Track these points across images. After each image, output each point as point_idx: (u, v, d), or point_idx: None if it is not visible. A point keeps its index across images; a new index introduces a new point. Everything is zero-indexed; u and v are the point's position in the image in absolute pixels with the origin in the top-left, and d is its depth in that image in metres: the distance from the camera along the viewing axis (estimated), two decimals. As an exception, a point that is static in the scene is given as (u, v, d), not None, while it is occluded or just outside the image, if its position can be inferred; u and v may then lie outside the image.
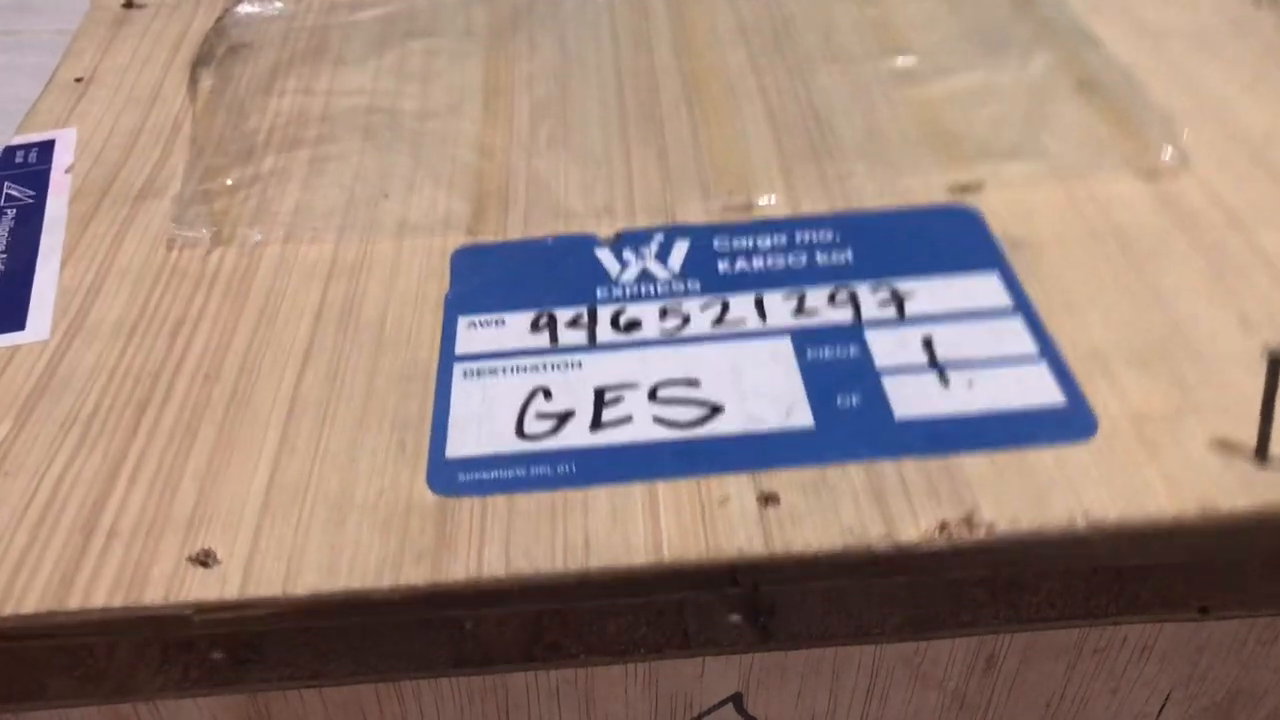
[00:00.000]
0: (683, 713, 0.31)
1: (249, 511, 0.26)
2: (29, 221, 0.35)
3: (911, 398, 0.28)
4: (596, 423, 0.28)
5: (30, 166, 0.37)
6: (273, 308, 0.32)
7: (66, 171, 0.37)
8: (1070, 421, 0.27)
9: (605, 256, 0.33)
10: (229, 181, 0.36)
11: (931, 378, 0.28)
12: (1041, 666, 0.31)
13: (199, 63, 0.42)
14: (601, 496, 0.26)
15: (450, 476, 0.27)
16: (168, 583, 0.25)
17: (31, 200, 0.36)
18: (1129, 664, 0.31)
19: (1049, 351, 0.29)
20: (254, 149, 0.37)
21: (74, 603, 0.25)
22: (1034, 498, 0.25)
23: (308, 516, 0.26)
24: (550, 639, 0.30)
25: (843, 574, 0.26)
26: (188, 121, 0.39)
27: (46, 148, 0.38)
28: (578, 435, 0.27)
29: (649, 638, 0.30)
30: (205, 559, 0.25)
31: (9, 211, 0.35)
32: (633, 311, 0.31)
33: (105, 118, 0.40)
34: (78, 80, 0.42)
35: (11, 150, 0.38)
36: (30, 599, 0.25)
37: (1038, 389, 0.28)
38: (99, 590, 0.25)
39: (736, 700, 0.31)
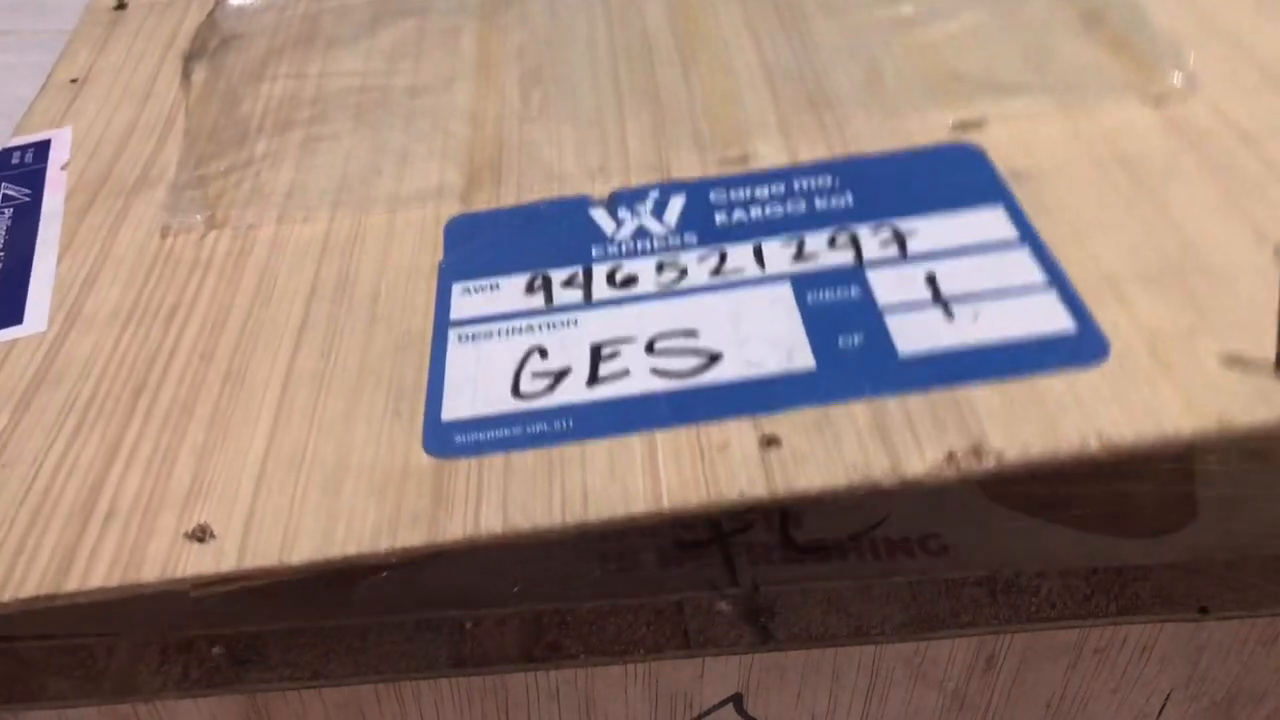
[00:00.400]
0: (683, 713, 0.31)
1: (245, 485, 0.26)
2: (26, 219, 0.35)
3: (915, 334, 0.27)
4: (593, 378, 0.28)
5: (27, 167, 0.37)
6: (267, 287, 0.32)
7: (62, 169, 0.37)
8: (1081, 346, 0.26)
9: (600, 216, 0.32)
10: (222, 167, 0.36)
11: (936, 313, 0.28)
12: (1042, 667, 0.31)
13: (191, 56, 0.42)
14: (599, 450, 0.26)
15: (446, 439, 0.27)
16: (164, 560, 0.25)
17: (28, 198, 0.36)
18: (1129, 664, 0.31)
19: (1057, 279, 0.28)
20: (247, 134, 0.37)
21: (71, 585, 0.25)
22: (1045, 424, 0.25)
23: (303, 487, 0.26)
24: (550, 639, 0.30)
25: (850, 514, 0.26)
26: (181, 114, 0.39)
27: (42, 148, 0.38)
28: (574, 391, 0.27)
29: (649, 638, 0.30)
30: (202, 534, 0.25)
31: (6, 211, 0.36)
32: (629, 268, 0.30)
33: (100, 116, 0.40)
34: (73, 81, 0.42)
35: (8, 152, 0.38)
36: (30, 583, 0.25)
37: (1046, 317, 0.27)
38: (96, 572, 0.25)
39: (736, 701, 0.31)
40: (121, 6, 0.46)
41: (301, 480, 0.26)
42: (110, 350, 0.30)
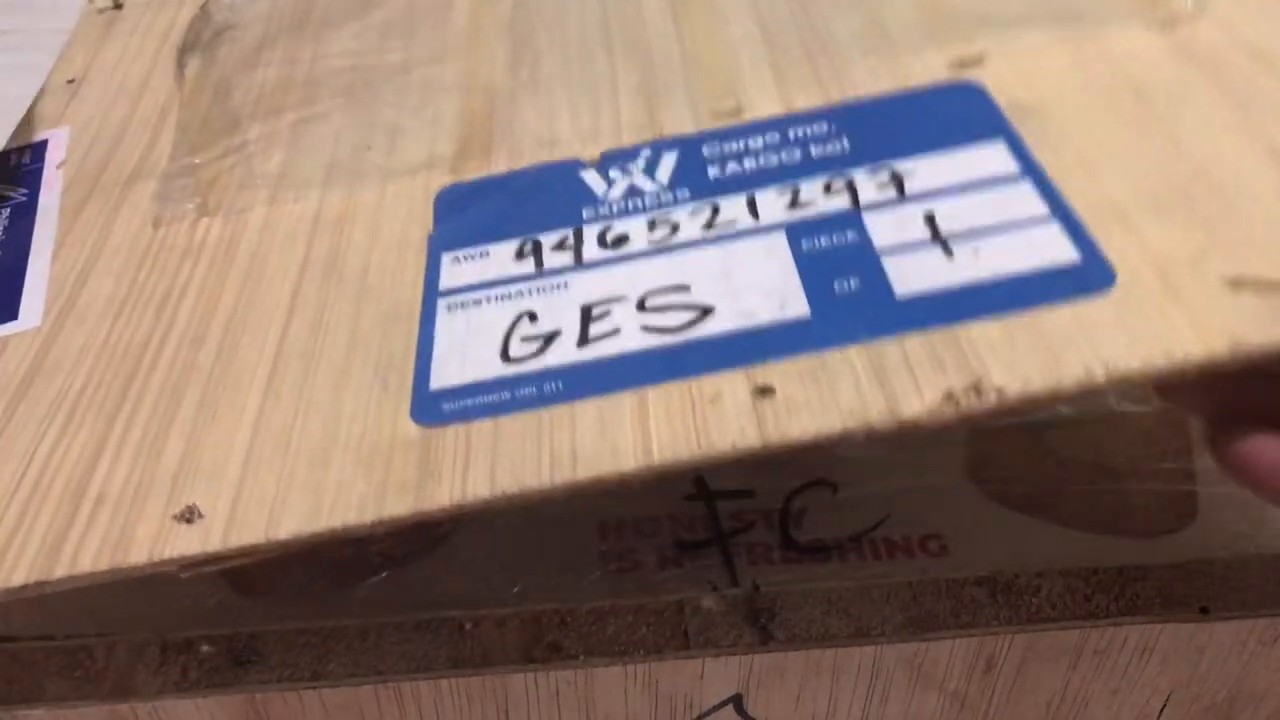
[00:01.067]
0: (683, 714, 0.31)
1: (233, 464, 0.26)
2: (23, 217, 0.35)
3: (914, 274, 0.27)
4: (583, 339, 0.27)
5: (24, 168, 0.37)
6: (258, 269, 0.31)
7: (58, 167, 0.37)
8: (1086, 276, 0.26)
9: (591, 178, 0.32)
10: (214, 154, 0.36)
11: (935, 252, 0.27)
12: (1042, 667, 0.31)
13: (185, 49, 0.42)
14: (589, 409, 0.25)
15: (434, 407, 0.26)
16: (152, 542, 0.25)
17: (26, 198, 0.36)
18: (1129, 665, 0.31)
19: (1060, 210, 0.27)
20: (239, 121, 0.37)
21: (60, 572, 0.25)
22: (1048, 357, 0.24)
23: (291, 463, 0.26)
24: (550, 639, 0.30)
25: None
26: (176, 107, 0.39)
27: (40, 148, 0.38)
28: (564, 353, 0.27)
29: (649, 638, 0.30)
30: (190, 515, 0.25)
31: (4, 211, 0.36)
32: (620, 227, 0.30)
33: (96, 113, 0.40)
34: (70, 82, 0.42)
35: (5, 155, 0.38)
36: (19, 572, 0.25)
37: (1049, 248, 0.26)
38: (85, 557, 0.25)
39: (736, 701, 0.31)
40: (118, 6, 0.46)
41: (289, 457, 0.26)
42: (103, 341, 0.30)
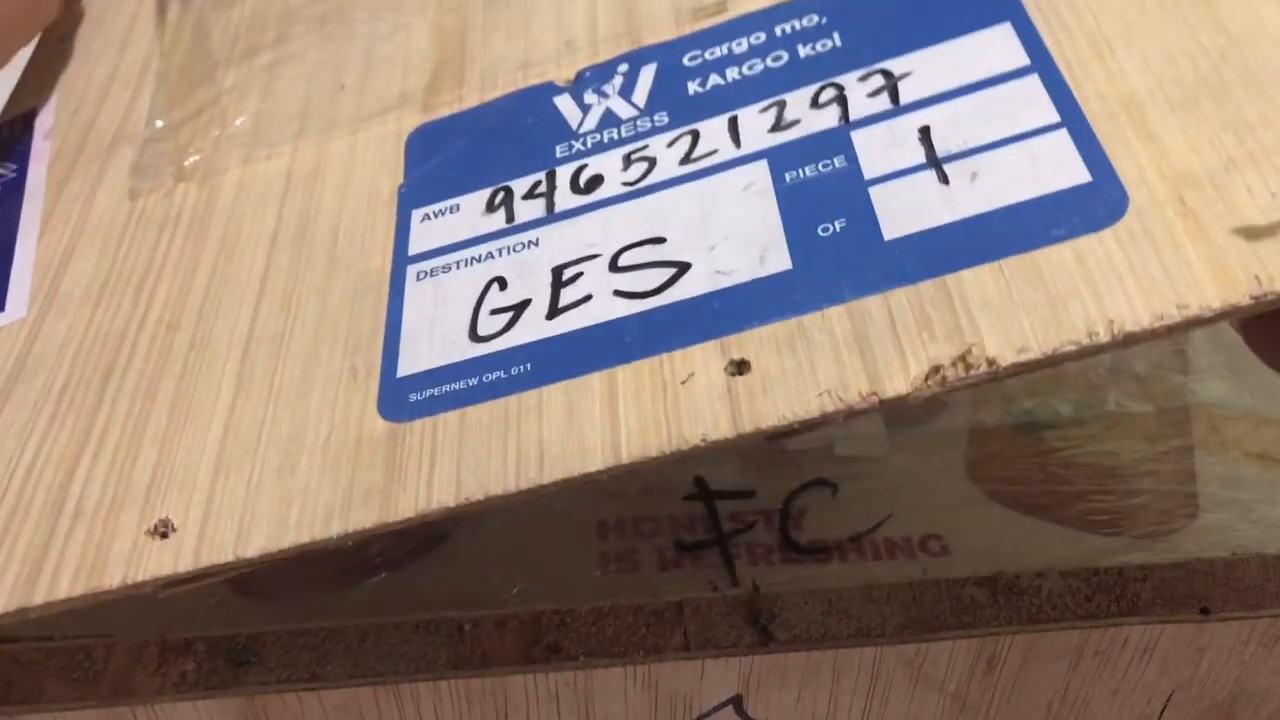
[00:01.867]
0: (683, 715, 0.31)
1: (204, 470, 0.26)
2: (11, 196, 0.34)
3: (904, 210, 0.24)
4: (554, 309, 0.26)
5: (14, 140, 0.37)
6: (231, 240, 0.31)
7: (46, 138, 0.37)
8: (1094, 203, 0.23)
9: (565, 104, 0.30)
10: (190, 110, 0.35)
11: (928, 178, 0.24)
12: (1043, 668, 0.31)
13: None
14: (557, 395, 0.24)
15: (400, 400, 0.26)
16: (127, 561, 0.24)
17: (14, 174, 0.35)
18: (1130, 665, 0.31)
19: (1071, 114, 0.24)
20: (215, 68, 0.36)
21: (39, 598, 0.25)
22: (1047, 312, 0.22)
23: (260, 467, 0.26)
24: (549, 640, 0.30)
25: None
26: (156, 57, 0.38)
27: (29, 117, 0.37)
28: (533, 327, 0.26)
29: (648, 639, 0.30)
30: (164, 529, 0.25)
31: None
32: (594, 166, 0.28)
33: (81, 73, 0.39)
34: (60, 40, 0.41)
35: None
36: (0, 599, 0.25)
37: (1055, 167, 0.24)
38: (63, 580, 0.25)
39: (736, 702, 0.31)
40: None
41: (258, 459, 0.26)
42: (83, 331, 0.30)
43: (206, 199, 0.32)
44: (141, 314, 0.30)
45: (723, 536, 0.34)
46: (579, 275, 0.26)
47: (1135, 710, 0.33)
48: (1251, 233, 0.21)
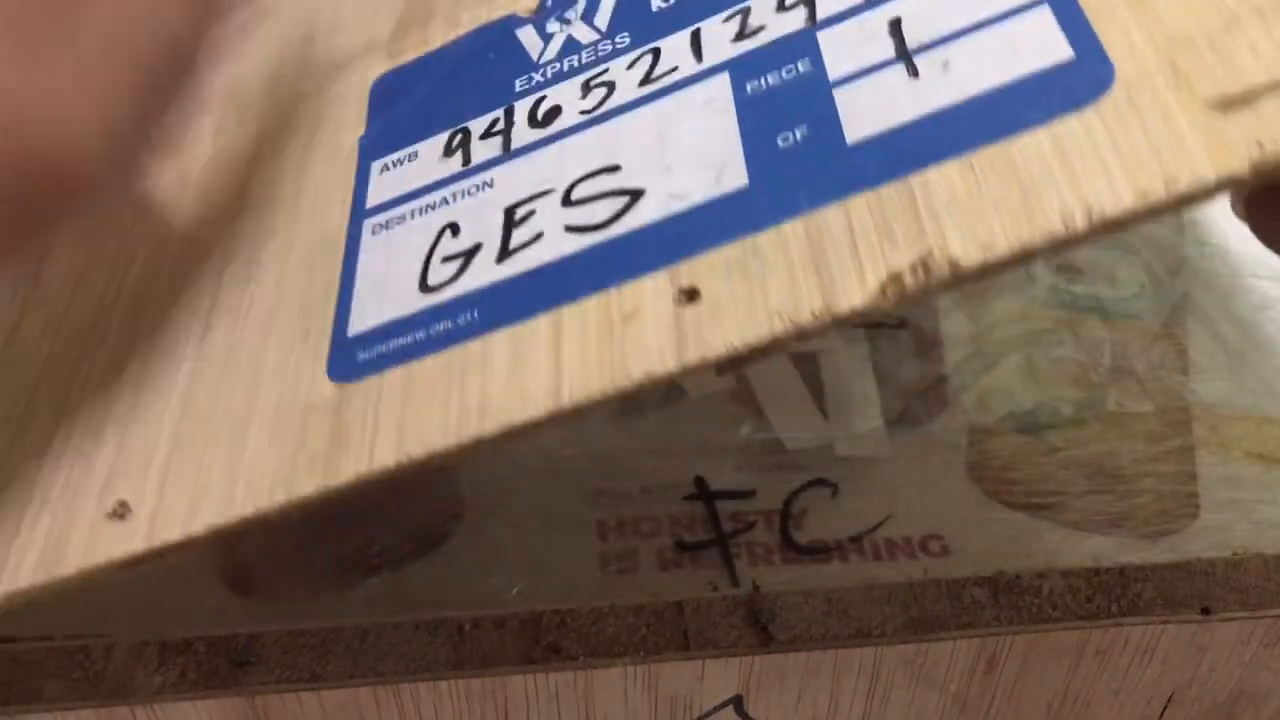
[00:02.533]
0: (683, 715, 0.31)
1: (161, 449, 0.25)
2: None
3: (868, 110, 0.23)
4: (504, 251, 0.25)
5: None
6: (198, 213, 0.31)
7: None
8: (1075, 81, 0.21)
9: (527, 36, 0.29)
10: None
11: (897, 73, 0.23)
12: (1043, 668, 0.31)
13: None
14: (503, 342, 0.24)
15: (349, 360, 0.25)
16: (85, 546, 0.24)
17: None
18: (1131, 665, 0.31)
19: None
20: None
21: (2, 588, 0.25)
22: (1018, 202, 0.20)
23: (212, 442, 0.25)
24: (549, 640, 0.30)
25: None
26: None
27: None
28: (483, 272, 0.25)
29: (648, 639, 0.30)
30: (121, 511, 0.25)
31: None
32: (553, 97, 0.27)
33: None
34: None
35: None
36: None
37: (1034, 47, 0.21)
38: (24, 570, 0.25)
39: (737, 703, 0.31)
40: None
41: (211, 432, 0.25)
42: (60, 321, 0.30)
43: (180, 175, 0.32)
44: (114, 297, 0.29)
45: (723, 536, 0.34)
46: (530, 214, 0.25)
47: (1136, 710, 0.33)
48: (1252, 94, 0.18)
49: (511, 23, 0.30)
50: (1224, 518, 0.34)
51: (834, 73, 0.24)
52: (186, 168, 0.32)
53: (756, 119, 0.24)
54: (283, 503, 0.23)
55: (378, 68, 0.31)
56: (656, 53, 0.27)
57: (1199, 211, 0.45)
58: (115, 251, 0.31)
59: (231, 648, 0.30)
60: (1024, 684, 0.31)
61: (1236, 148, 0.18)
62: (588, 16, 0.29)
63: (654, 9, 0.28)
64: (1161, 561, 0.31)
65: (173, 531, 0.24)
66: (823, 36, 0.24)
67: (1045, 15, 0.22)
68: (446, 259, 0.26)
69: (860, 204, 0.21)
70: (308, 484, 0.23)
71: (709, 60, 0.26)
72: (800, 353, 0.39)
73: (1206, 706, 0.33)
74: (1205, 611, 0.30)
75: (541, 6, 0.30)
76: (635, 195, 0.24)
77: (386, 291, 0.26)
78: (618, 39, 0.28)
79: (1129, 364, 0.38)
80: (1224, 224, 0.45)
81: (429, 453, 0.23)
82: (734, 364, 0.22)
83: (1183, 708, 0.33)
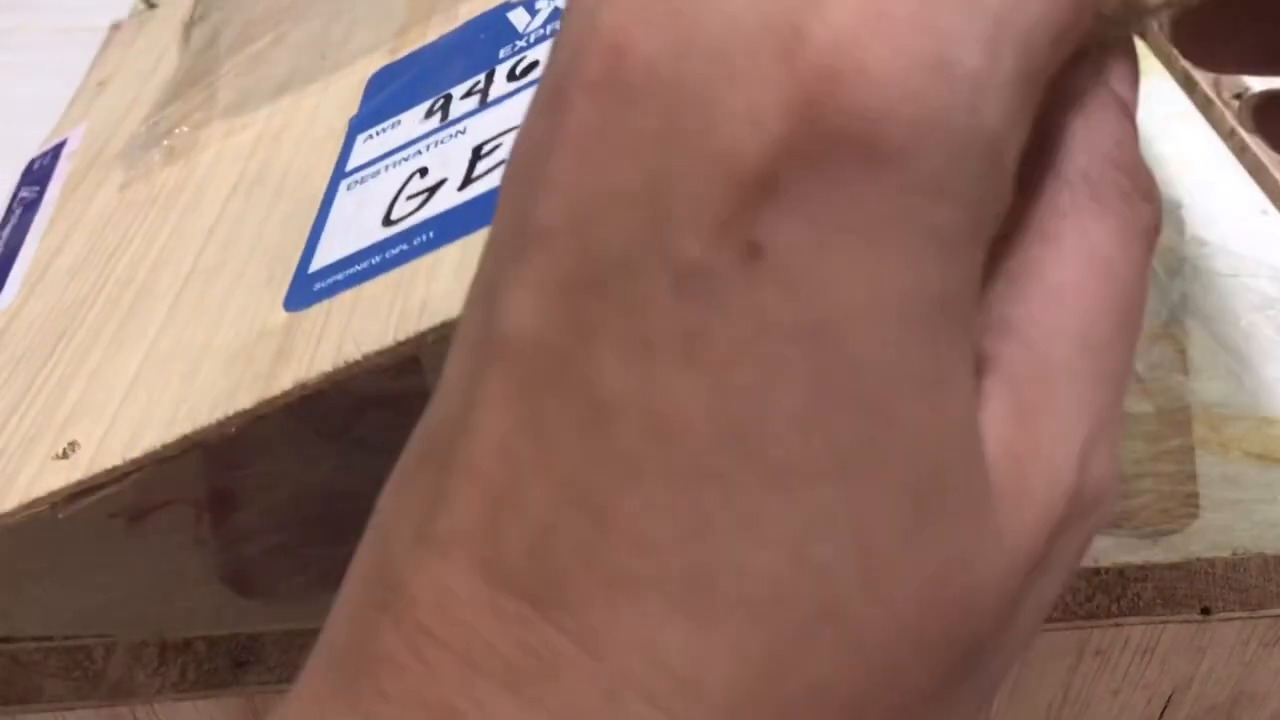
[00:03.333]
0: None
1: (118, 392, 0.26)
2: (29, 212, 0.36)
3: None
4: (467, 180, 0.25)
5: (43, 169, 0.38)
6: (194, 201, 0.31)
7: (68, 160, 0.38)
8: None
9: (517, 16, 0.29)
10: (183, 101, 0.35)
11: None
12: (1043, 668, 0.31)
13: (191, 24, 0.42)
14: (452, 253, 0.24)
15: (305, 290, 0.25)
16: (29, 484, 0.25)
17: (36, 195, 0.37)
18: (1130, 665, 0.31)
19: None
20: (217, 60, 0.37)
21: None
22: None
23: (166, 379, 0.25)
24: (549, 641, 0.30)
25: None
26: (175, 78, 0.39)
27: (59, 148, 0.39)
28: (445, 200, 0.25)
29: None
30: (69, 451, 0.25)
31: (16, 210, 0.37)
32: (532, 55, 0.28)
33: (111, 102, 0.40)
34: (100, 84, 0.42)
35: (31, 162, 0.39)
36: None
37: None
38: None
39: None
40: (152, 6, 0.46)
41: (166, 373, 0.25)
42: (54, 304, 0.30)
43: (184, 176, 0.32)
44: (105, 279, 0.30)
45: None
46: (497, 148, 0.26)
47: (1135, 710, 0.33)
48: None
49: (503, 9, 0.31)
50: (1224, 518, 0.34)
51: None
52: (190, 171, 0.32)
53: None
54: (220, 419, 0.23)
55: (379, 62, 0.32)
56: None
57: (1199, 211, 0.45)
58: (111, 245, 0.31)
59: (231, 648, 0.30)
60: (1023, 684, 0.31)
61: None
62: None
63: None
64: (1161, 561, 0.31)
65: (113, 459, 0.24)
66: None
67: None
68: (412, 196, 0.26)
69: None
70: (246, 399, 0.23)
71: None
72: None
73: (1206, 706, 0.33)
74: (1205, 611, 0.30)
75: None
76: None
77: (351, 231, 0.26)
78: None
79: (1129, 364, 0.38)
80: (1224, 224, 0.45)
81: (365, 355, 0.23)
82: None
83: (1182, 708, 0.33)
